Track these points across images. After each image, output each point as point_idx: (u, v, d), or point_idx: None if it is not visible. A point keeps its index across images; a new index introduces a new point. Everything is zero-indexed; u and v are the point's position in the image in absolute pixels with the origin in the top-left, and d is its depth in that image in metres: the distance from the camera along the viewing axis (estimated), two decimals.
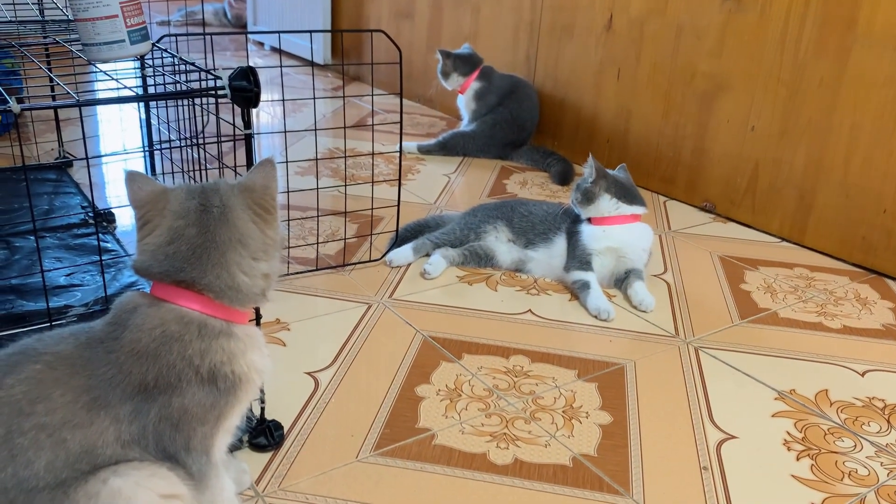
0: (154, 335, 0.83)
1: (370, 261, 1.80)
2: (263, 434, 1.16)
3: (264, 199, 0.87)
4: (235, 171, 1.17)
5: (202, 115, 1.38)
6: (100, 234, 1.75)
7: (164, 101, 1.58)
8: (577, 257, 1.71)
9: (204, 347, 0.83)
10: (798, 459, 1.22)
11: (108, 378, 0.81)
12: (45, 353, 0.82)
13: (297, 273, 1.72)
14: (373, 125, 2.89)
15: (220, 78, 1.01)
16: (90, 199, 1.84)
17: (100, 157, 2.38)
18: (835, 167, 1.94)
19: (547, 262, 1.77)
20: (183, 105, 1.47)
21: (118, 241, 1.74)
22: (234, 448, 1.14)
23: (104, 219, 1.86)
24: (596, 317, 1.62)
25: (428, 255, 1.81)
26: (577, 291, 1.69)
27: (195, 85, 1.16)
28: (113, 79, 1.19)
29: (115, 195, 2.12)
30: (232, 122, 1.10)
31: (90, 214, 1.87)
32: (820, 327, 1.63)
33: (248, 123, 1.02)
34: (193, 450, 0.85)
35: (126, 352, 0.82)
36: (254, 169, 0.89)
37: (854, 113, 1.88)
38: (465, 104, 2.69)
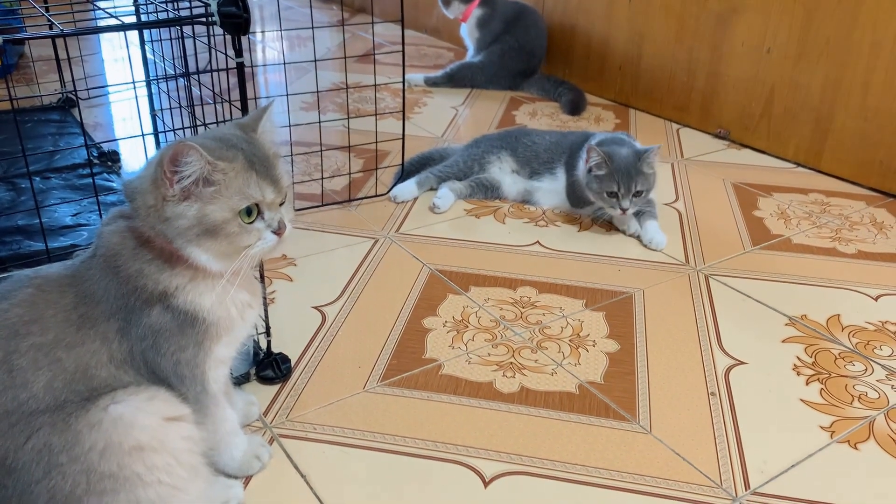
0: (106, 248, 0.84)
1: (376, 195, 1.79)
2: (271, 367, 1.17)
3: (159, 169, 0.80)
4: (230, 104, 1.14)
5: (195, 49, 1.35)
6: (105, 174, 1.74)
7: (158, 35, 1.55)
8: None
9: (138, 269, 0.83)
10: (807, 384, 1.21)
11: (90, 294, 0.82)
12: (35, 277, 0.83)
13: (303, 209, 1.71)
14: (374, 55, 2.83)
15: (209, 5, 0.98)
16: (89, 137, 1.82)
17: (99, 87, 2.35)
18: (853, 89, 1.88)
19: (554, 192, 1.75)
20: (179, 38, 1.43)
21: None
22: (241, 381, 1.15)
23: (109, 158, 1.84)
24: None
25: (433, 188, 1.79)
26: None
27: (186, 14, 1.13)
28: (104, 10, 1.16)
29: (122, 134, 2.10)
30: (225, 52, 1.07)
31: (95, 154, 1.86)
32: (834, 253, 1.61)
33: (238, 52, 0.99)
34: (184, 377, 0.85)
35: (98, 266, 0.83)
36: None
37: (875, 31, 1.80)
38: (468, 33, 2.62)
